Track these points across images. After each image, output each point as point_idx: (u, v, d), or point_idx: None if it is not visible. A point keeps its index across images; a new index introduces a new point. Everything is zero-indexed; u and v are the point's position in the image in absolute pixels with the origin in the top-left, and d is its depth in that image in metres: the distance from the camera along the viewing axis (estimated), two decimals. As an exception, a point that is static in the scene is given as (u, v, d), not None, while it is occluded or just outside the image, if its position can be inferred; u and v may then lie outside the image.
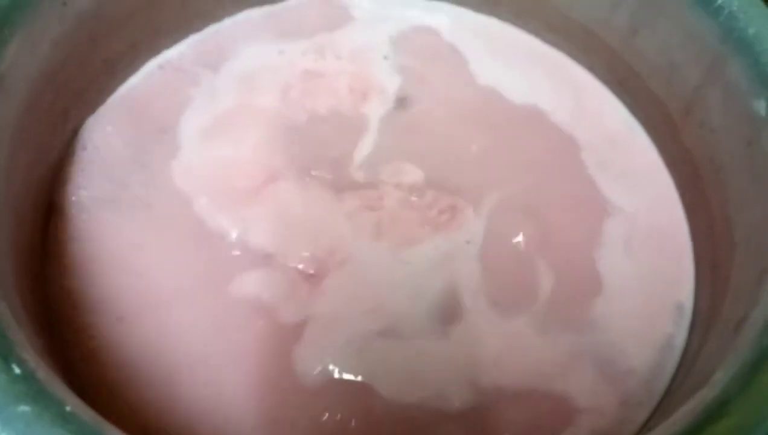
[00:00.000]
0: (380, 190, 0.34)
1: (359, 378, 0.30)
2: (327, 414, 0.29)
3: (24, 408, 0.21)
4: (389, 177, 0.35)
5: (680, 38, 0.34)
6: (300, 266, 0.32)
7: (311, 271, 0.32)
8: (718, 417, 0.23)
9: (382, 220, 0.33)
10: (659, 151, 0.37)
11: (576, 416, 0.30)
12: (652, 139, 0.37)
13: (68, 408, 0.21)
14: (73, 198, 0.33)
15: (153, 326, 0.31)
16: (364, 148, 0.35)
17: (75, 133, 0.35)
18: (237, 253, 0.32)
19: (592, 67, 0.39)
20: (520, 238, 0.34)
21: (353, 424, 0.29)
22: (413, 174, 0.35)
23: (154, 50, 0.37)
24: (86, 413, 0.22)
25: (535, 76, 0.38)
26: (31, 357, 0.23)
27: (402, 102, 0.37)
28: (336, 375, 0.30)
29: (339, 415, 0.29)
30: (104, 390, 0.29)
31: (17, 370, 0.22)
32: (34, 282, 0.31)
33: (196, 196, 0.34)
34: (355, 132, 0.36)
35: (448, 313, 0.32)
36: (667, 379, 0.31)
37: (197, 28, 0.38)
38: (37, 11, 0.30)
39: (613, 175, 0.36)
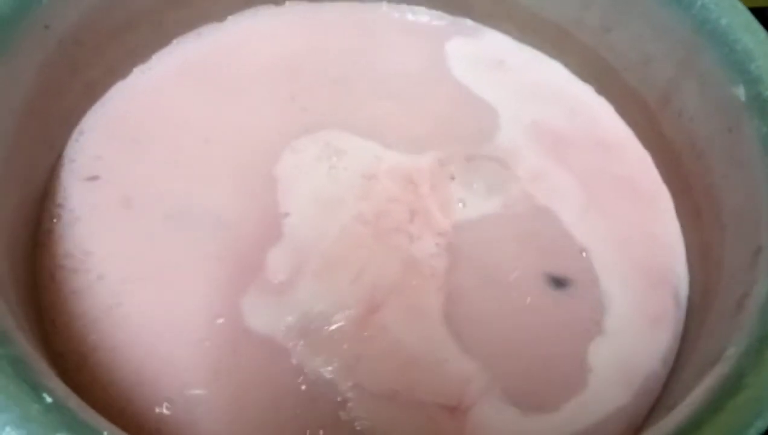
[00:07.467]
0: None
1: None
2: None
3: (61, 437, 0.21)
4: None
5: (653, 33, 0.35)
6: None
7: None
8: (735, 391, 0.24)
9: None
10: (640, 141, 0.38)
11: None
12: (633, 131, 0.38)
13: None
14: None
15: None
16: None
17: (60, 157, 0.34)
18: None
19: (567, 64, 0.40)
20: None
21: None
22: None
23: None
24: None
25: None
26: (59, 385, 0.22)
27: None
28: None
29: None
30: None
31: (49, 399, 0.21)
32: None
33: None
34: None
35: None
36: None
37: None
38: (19, 36, 0.29)
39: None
